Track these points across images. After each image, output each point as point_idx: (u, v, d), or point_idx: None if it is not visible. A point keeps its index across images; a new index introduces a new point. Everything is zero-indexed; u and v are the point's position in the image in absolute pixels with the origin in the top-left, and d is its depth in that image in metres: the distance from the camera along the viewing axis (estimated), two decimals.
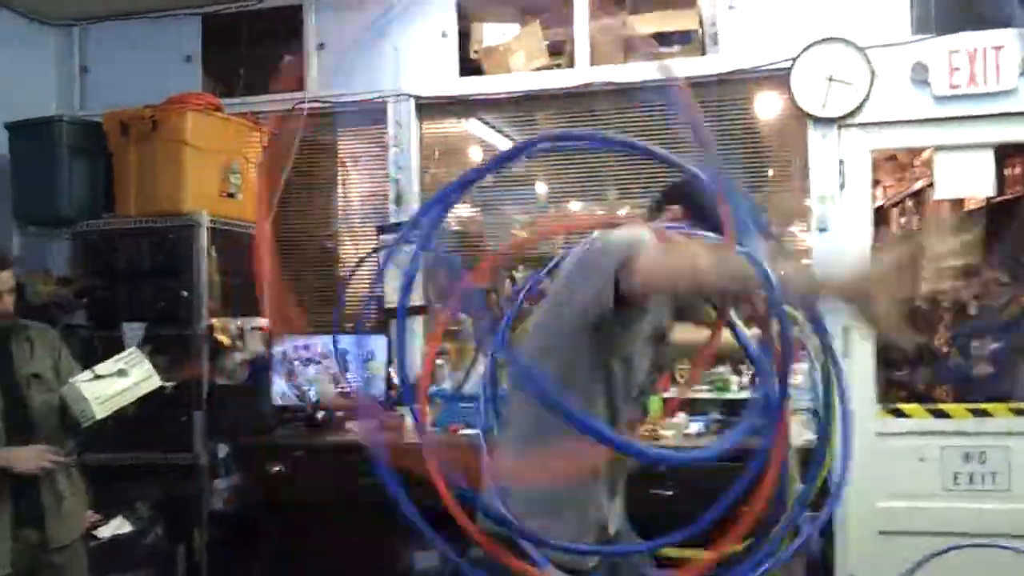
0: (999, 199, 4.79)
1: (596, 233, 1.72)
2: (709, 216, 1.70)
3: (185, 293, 3.54)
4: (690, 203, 1.86)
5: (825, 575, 3.37)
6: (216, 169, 3.72)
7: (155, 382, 2.92)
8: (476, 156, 4.34)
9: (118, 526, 3.24)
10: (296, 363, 3.71)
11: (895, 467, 3.56)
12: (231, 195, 3.76)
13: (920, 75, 3.53)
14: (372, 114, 4.11)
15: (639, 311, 1.70)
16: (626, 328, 1.71)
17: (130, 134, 3.66)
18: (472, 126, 4.25)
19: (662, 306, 1.83)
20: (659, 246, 1.58)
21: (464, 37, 4.07)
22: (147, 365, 2.91)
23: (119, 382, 2.78)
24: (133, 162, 3.67)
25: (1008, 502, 3.48)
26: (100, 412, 2.70)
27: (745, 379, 3.69)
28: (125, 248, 3.63)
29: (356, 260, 4.13)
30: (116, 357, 2.86)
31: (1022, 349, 3.81)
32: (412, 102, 4.03)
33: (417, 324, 4.03)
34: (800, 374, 3.63)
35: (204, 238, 3.58)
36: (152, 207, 3.62)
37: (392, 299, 3.92)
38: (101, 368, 2.76)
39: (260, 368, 3.72)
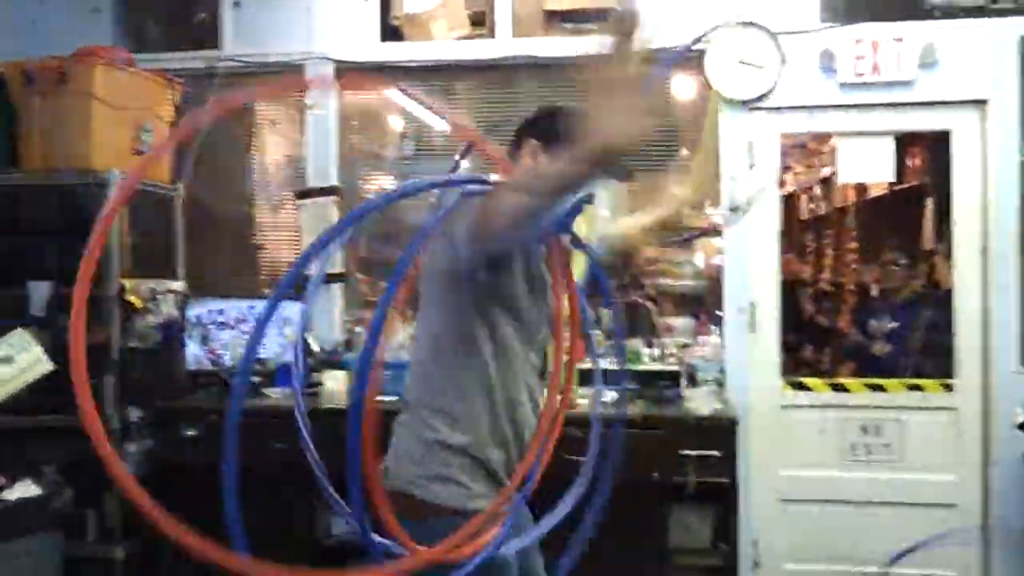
0: (901, 187, 5.04)
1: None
2: (564, 144, 1.64)
3: (85, 252, 3.42)
4: (544, 134, 1.87)
5: (728, 540, 3.49)
6: (127, 126, 3.60)
7: (45, 366, 2.83)
8: (396, 125, 4.32)
9: (25, 489, 3.14)
10: (211, 327, 3.65)
11: (797, 438, 3.72)
12: (142, 153, 3.65)
13: (827, 62, 3.67)
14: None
15: (503, 259, 1.72)
16: (499, 277, 1.75)
17: (35, 86, 3.51)
18: (392, 94, 4.22)
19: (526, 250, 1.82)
20: (484, 199, 1.55)
21: (385, 2, 4.04)
22: (36, 348, 2.81)
23: (3, 370, 2.66)
24: (38, 115, 3.51)
25: (901, 472, 3.68)
26: None
27: (656, 351, 3.79)
28: (30, 203, 3.49)
29: (272, 225, 4.08)
30: (0, 340, 2.72)
31: (916, 328, 4.02)
32: (332, 66, 3.98)
33: (336, 290, 4.02)
34: (706, 345, 3.78)
35: (114, 196, 3.46)
36: (59, 162, 3.48)
37: (311, 266, 3.88)
38: None
39: (173, 332, 3.64)
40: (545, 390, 1.93)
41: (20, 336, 2.77)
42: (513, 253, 1.74)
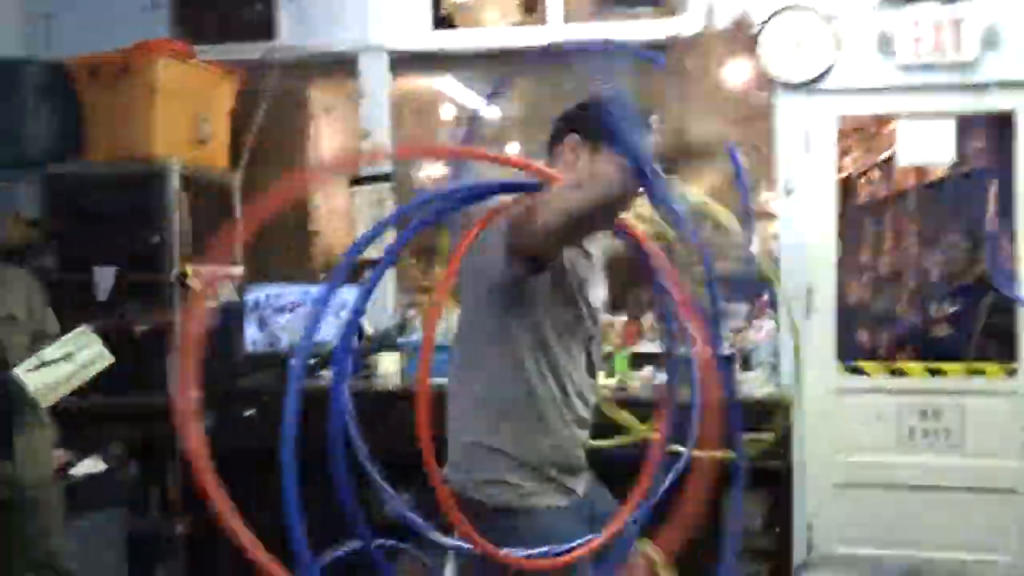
0: (962, 169, 4.92)
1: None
2: (606, 138, 1.70)
3: (156, 239, 3.53)
4: (584, 128, 1.85)
5: (783, 524, 3.47)
6: (187, 116, 3.69)
7: (106, 360, 2.88)
8: (447, 114, 4.36)
9: (92, 465, 3.26)
10: (268, 311, 3.73)
11: (853, 423, 3.67)
12: (202, 142, 3.74)
13: (885, 44, 3.59)
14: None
15: (545, 264, 1.70)
16: (543, 281, 1.75)
17: (100, 79, 3.62)
18: (445, 83, 4.25)
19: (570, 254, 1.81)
20: (531, 201, 1.53)
21: None
22: (97, 344, 2.86)
23: (64, 368, 2.72)
24: (103, 107, 3.63)
25: (961, 457, 3.61)
26: (44, 403, 2.69)
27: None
28: (95, 192, 3.60)
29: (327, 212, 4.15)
30: (64, 339, 2.80)
31: (978, 312, 3.92)
32: (385, 55, 4.02)
33: (389, 276, 4.07)
34: (762, 328, 3.75)
35: (175, 184, 3.56)
36: (122, 152, 3.59)
37: (368, 252, 3.94)
38: (47, 353, 2.72)
39: (232, 315, 3.73)
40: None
41: (82, 334, 2.84)
42: (553, 254, 1.70)
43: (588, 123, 1.84)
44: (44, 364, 2.70)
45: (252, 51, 4.08)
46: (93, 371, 2.85)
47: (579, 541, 1.71)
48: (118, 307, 3.51)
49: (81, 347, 2.84)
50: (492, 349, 1.81)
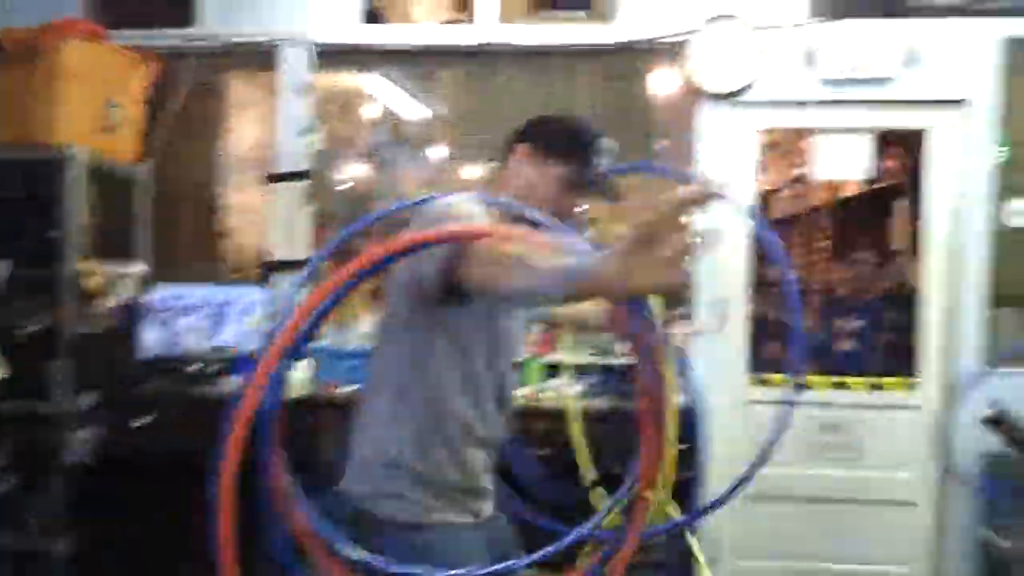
0: (874, 187, 5.06)
1: (435, 203, 1.70)
2: (558, 152, 1.81)
3: (52, 232, 3.33)
4: (535, 139, 1.87)
5: (691, 535, 3.47)
6: (95, 102, 3.48)
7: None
8: (374, 112, 4.25)
9: None
10: (170, 313, 3.57)
11: (759, 435, 3.70)
12: (111, 131, 3.55)
13: (809, 58, 3.65)
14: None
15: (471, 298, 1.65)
16: (469, 303, 1.68)
17: (3, 58, 3.40)
18: (371, 80, 4.14)
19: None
20: (487, 245, 1.46)
21: None
22: None
23: None
24: (4, 88, 3.40)
25: (861, 470, 3.69)
26: None
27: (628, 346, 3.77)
28: None
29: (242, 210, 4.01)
30: None
31: (881, 327, 4.03)
32: (309, 48, 3.90)
33: (302, 282, 3.95)
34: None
35: (76, 173, 3.36)
36: (23, 136, 3.37)
37: (276, 252, 3.83)
38: None
39: (131, 317, 3.56)
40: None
41: None
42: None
43: (541, 136, 1.88)
44: None
45: (170, 38, 3.90)
46: None
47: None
48: (9, 303, 3.30)
49: None
50: (409, 360, 1.76)
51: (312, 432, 3.23)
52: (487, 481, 1.88)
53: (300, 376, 3.34)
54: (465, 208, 1.66)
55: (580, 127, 1.91)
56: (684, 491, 3.36)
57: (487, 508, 1.89)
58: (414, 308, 1.72)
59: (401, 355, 1.76)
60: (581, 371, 3.62)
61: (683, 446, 3.19)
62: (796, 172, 6.18)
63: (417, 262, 1.59)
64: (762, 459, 1.89)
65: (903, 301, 3.96)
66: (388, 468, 1.75)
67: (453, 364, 1.75)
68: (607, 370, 3.66)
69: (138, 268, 3.68)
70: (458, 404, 1.76)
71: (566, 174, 1.83)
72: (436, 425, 1.75)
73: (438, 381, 1.75)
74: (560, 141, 1.84)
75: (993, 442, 3.31)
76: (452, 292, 1.58)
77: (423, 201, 1.75)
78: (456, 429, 1.77)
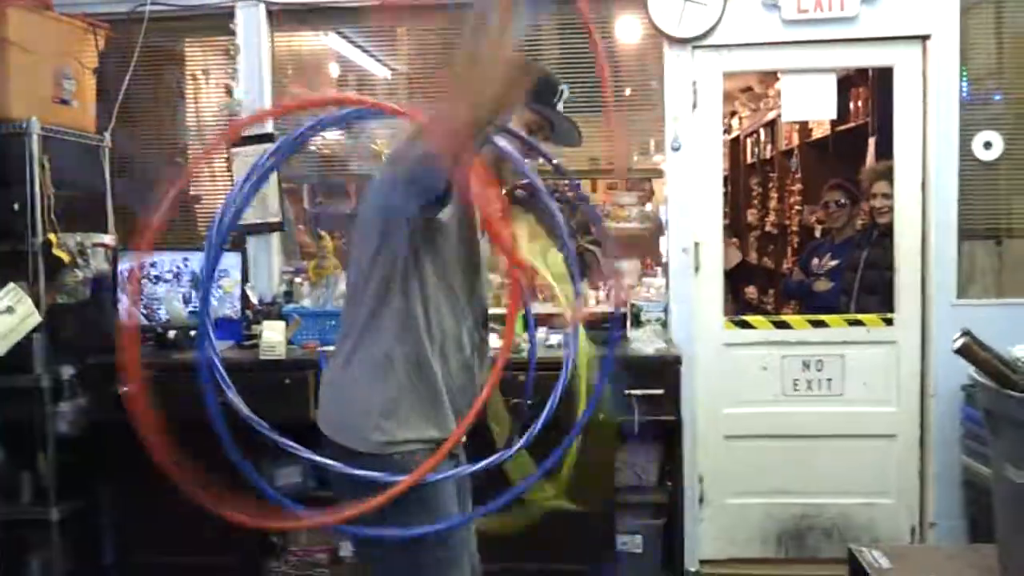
0: (843, 127, 5.07)
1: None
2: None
3: (16, 206, 3.28)
4: None
5: (674, 477, 3.52)
6: (46, 73, 3.43)
7: (37, 318, 2.96)
8: (333, 72, 4.19)
9: None
10: (143, 281, 3.53)
11: (740, 375, 3.76)
12: (64, 102, 3.50)
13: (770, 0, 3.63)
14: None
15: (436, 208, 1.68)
16: (431, 226, 1.73)
17: None
18: (331, 40, 4.09)
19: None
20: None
21: None
22: (28, 300, 2.93)
23: (9, 320, 2.80)
24: None
25: (842, 406, 3.74)
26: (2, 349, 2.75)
27: (602, 294, 3.78)
28: None
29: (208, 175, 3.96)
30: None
31: (857, 266, 4.05)
32: (262, 8, 3.83)
33: (274, 241, 3.93)
34: (651, 287, 3.78)
35: (36, 147, 3.31)
36: None
37: (247, 215, 3.78)
38: None
39: (104, 286, 3.52)
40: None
41: (14, 289, 2.92)
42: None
43: None
44: None
45: (121, 3, 3.82)
46: (30, 326, 2.92)
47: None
48: None
49: (17, 301, 2.94)
50: (384, 308, 1.76)
51: (287, 394, 3.22)
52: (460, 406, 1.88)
53: (275, 339, 3.31)
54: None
55: (542, 71, 1.95)
56: (667, 434, 3.43)
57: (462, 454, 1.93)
58: (389, 246, 1.73)
59: (376, 303, 1.77)
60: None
61: (659, 391, 3.24)
62: (768, 117, 6.19)
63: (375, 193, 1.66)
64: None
65: (878, 239, 3.99)
66: (371, 414, 1.76)
67: (425, 304, 1.77)
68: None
69: (108, 238, 3.64)
70: (431, 345, 1.78)
71: (529, 120, 1.87)
72: (414, 368, 1.77)
73: (416, 324, 1.76)
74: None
75: (970, 372, 3.36)
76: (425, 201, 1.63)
77: None
78: (432, 369, 1.78)
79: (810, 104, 3.81)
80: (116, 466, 3.34)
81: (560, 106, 1.92)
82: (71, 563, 3.42)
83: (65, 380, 3.37)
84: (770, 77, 5.46)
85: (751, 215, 7.06)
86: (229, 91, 3.88)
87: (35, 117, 3.32)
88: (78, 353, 3.40)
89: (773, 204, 6.48)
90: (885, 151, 3.97)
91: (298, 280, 3.83)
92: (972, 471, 3.44)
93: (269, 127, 3.86)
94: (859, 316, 3.79)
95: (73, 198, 3.50)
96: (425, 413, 1.77)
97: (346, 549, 3.46)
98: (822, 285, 4.22)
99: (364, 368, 1.76)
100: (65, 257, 3.38)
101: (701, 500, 3.74)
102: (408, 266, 1.73)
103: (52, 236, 3.35)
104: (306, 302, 3.69)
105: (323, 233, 3.92)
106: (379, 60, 4.15)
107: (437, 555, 1.75)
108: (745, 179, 7.29)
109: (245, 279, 3.68)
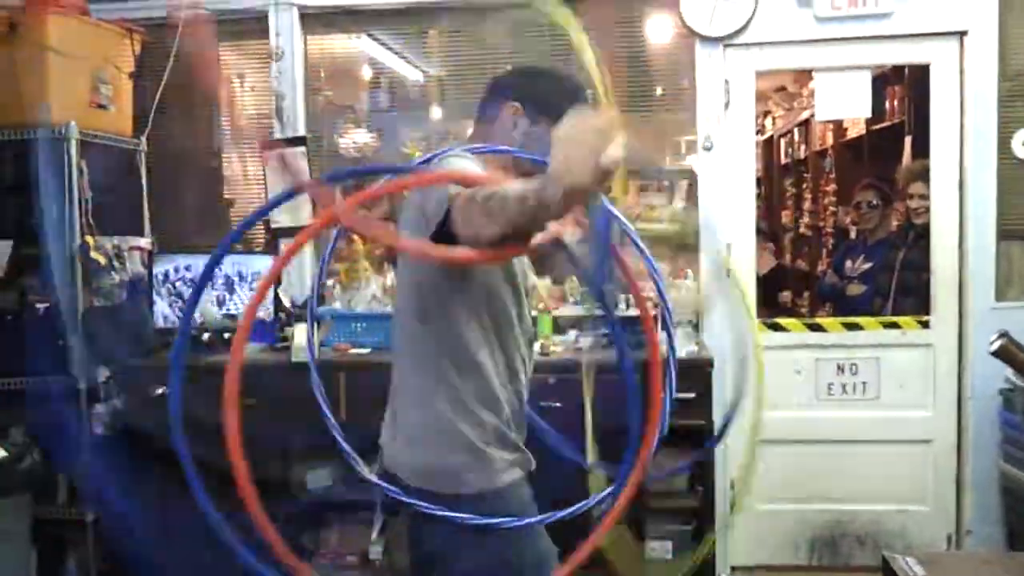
0: (878, 126, 5.00)
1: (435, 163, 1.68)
2: (549, 110, 1.71)
3: (56, 210, 3.34)
4: (525, 95, 1.81)
5: (705, 482, 3.49)
6: (84, 78, 3.49)
7: None
8: (368, 75, 4.22)
9: None
10: (179, 284, 3.58)
11: (773, 379, 3.71)
12: (102, 106, 3.55)
13: None
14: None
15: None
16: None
17: None
18: (364, 43, 4.11)
19: None
20: (464, 199, 1.45)
21: None
22: None
23: None
24: None
25: (877, 410, 3.68)
26: None
27: (631, 296, 3.76)
28: None
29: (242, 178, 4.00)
30: None
31: (892, 267, 3.99)
32: (295, 11, 3.87)
33: (307, 245, 3.95)
34: (682, 288, 3.75)
35: (74, 151, 3.37)
36: (14, 117, 3.37)
37: (279, 219, 3.83)
38: None
39: (139, 289, 3.58)
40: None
41: None
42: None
43: (528, 90, 1.81)
44: None
45: (156, 8, 3.87)
46: None
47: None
48: (15, 282, 3.32)
49: None
50: (436, 324, 1.72)
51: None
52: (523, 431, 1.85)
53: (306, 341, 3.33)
54: (460, 164, 1.64)
55: (570, 83, 1.85)
56: (695, 438, 3.40)
57: (531, 461, 1.86)
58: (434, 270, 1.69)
59: (427, 318, 1.73)
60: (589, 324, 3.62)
61: (691, 395, 3.21)
62: (802, 116, 6.13)
63: (418, 223, 1.57)
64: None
65: (915, 239, 3.92)
66: (444, 434, 1.72)
67: (479, 316, 1.72)
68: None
69: (143, 242, 3.70)
70: (491, 358, 1.74)
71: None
72: (477, 382, 1.72)
73: (466, 336, 1.71)
74: (552, 99, 1.75)
75: (1007, 374, 3.31)
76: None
77: (425, 162, 1.73)
78: (493, 382, 1.74)
79: (844, 103, 3.76)
80: (153, 468, 3.38)
81: None
82: (106, 564, 3.47)
83: (101, 382, 3.42)
84: (804, 76, 5.40)
85: (785, 216, 6.99)
86: (277, 95, 3.89)
87: (73, 122, 3.38)
88: (114, 355, 3.45)
89: (807, 205, 6.42)
90: (921, 150, 3.91)
91: (329, 283, 3.85)
92: (1010, 477, 3.37)
93: (301, 130, 3.89)
94: (895, 319, 3.74)
95: (110, 202, 3.55)
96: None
97: (375, 552, 3.47)
98: (854, 289, 4.16)
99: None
100: (102, 260, 3.43)
101: (732, 506, 3.71)
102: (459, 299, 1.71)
103: (89, 239, 3.40)
104: (336, 305, 3.72)
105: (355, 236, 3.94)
106: (411, 63, 4.16)
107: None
108: (779, 180, 7.22)
109: (278, 282, 3.71)
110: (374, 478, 1.79)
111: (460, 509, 1.67)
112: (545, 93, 1.79)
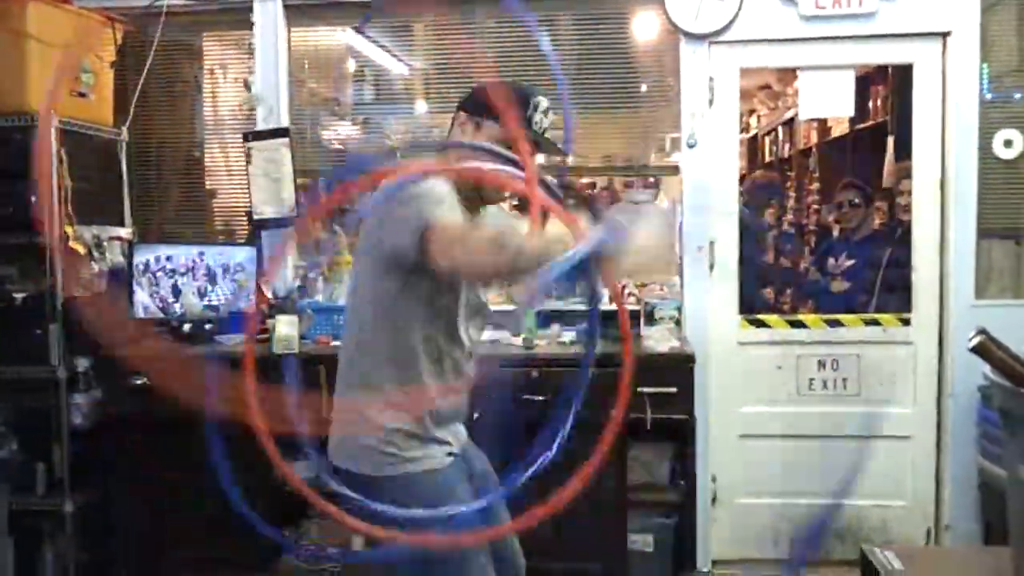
0: (862, 126, 5.01)
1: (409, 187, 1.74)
2: (491, 110, 1.83)
3: (34, 198, 3.30)
4: (472, 107, 1.93)
5: (686, 476, 3.50)
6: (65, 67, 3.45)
7: None
8: (352, 67, 4.19)
9: None
10: (159, 274, 3.55)
11: (755, 375, 3.73)
12: (82, 95, 3.52)
13: None
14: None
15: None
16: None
17: None
18: (348, 36, 4.09)
19: None
20: (455, 226, 1.65)
21: None
22: None
23: None
24: None
25: (857, 405, 3.71)
26: None
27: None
28: None
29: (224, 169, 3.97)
30: None
31: (873, 266, 4.02)
32: (280, 3, 3.84)
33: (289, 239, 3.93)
34: (666, 285, 3.76)
35: (54, 140, 3.33)
36: None
37: (261, 210, 3.80)
38: None
39: (120, 279, 3.54)
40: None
41: None
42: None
43: (475, 102, 1.94)
44: None
45: None
46: None
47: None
48: None
49: None
50: (379, 310, 1.81)
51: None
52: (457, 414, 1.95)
53: (288, 333, 3.32)
54: (438, 191, 1.71)
55: (514, 87, 1.97)
56: (680, 432, 3.41)
57: (462, 433, 1.97)
58: (389, 265, 1.77)
59: (373, 305, 1.82)
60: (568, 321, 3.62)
61: (672, 389, 3.22)
62: (786, 115, 6.14)
63: (393, 232, 1.69)
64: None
65: (897, 238, 3.95)
66: (364, 421, 1.81)
67: (419, 314, 1.81)
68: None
69: (123, 231, 3.67)
70: (426, 346, 1.82)
71: (502, 132, 1.84)
72: (405, 368, 1.81)
73: (405, 327, 1.80)
74: (492, 100, 1.83)
75: (986, 372, 3.32)
76: (422, 266, 1.67)
77: (400, 185, 1.76)
78: (424, 369, 1.82)
79: (828, 101, 3.78)
80: (132, 458, 3.36)
81: (539, 116, 1.91)
82: (84, 554, 3.44)
83: (81, 372, 3.39)
84: (789, 75, 5.40)
85: (768, 214, 7.01)
86: (247, 86, 3.89)
87: (53, 110, 3.34)
88: (94, 345, 3.42)
89: (791, 203, 6.43)
90: (904, 150, 3.93)
91: (311, 275, 3.83)
92: (988, 473, 3.40)
93: (284, 122, 3.87)
94: (876, 316, 3.76)
95: (90, 191, 3.52)
96: None
97: (358, 543, 3.46)
98: (838, 285, 4.18)
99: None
100: (81, 249, 3.40)
101: (714, 500, 3.72)
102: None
103: (69, 228, 3.37)
104: (319, 298, 3.70)
105: (338, 229, 3.93)
106: (396, 56, 4.14)
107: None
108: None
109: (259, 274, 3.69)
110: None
111: (378, 490, 1.75)
112: (486, 95, 1.89)
